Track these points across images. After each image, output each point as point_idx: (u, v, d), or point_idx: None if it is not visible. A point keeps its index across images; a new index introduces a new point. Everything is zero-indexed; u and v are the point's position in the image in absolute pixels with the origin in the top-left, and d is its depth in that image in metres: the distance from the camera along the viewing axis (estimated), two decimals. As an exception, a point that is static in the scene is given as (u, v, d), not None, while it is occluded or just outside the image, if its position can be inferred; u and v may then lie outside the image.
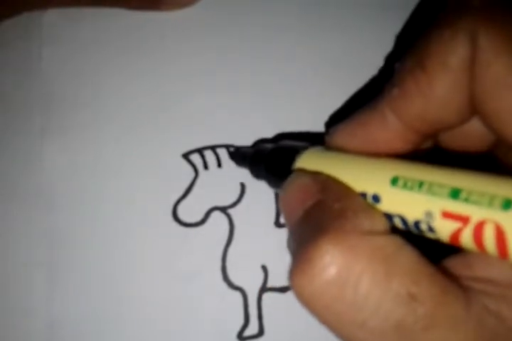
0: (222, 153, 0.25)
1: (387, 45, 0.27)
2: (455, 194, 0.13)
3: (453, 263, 0.15)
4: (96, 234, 0.24)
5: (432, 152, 0.19)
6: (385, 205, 0.15)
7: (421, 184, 0.14)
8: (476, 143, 0.18)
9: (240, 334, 0.24)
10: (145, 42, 0.27)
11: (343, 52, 0.27)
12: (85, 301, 0.24)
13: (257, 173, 0.23)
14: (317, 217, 0.15)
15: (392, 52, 0.27)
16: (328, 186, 0.16)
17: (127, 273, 0.24)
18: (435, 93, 0.16)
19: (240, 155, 0.25)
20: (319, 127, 0.26)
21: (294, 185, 0.17)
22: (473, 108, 0.16)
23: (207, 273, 0.24)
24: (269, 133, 0.26)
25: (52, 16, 0.27)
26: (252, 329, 0.24)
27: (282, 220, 0.25)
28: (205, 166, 0.25)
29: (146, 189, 0.25)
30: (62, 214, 0.24)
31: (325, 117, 0.26)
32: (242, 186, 0.25)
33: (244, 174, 0.25)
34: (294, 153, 0.19)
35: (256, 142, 0.26)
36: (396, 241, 0.14)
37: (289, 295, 0.25)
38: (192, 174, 0.25)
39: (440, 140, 0.19)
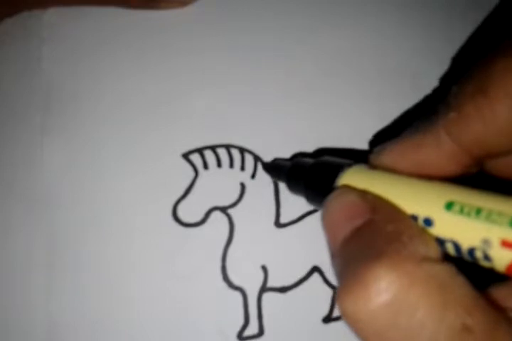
0: (223, 153, 0.25)
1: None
2: None
3: (497, 293, 0.15)
4: (95, 234, 0.24)
5: (476, 177, 0.18)
6: (438, 230, 0.15)
7: (478, 210, 0.14)
8: None
9: (240, 334, 0.24)
10: (145, 41, 0.27)
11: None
12: (85, 301, 0.24)
13: (294, 188, 0.22)
14: (369, 238, 0.15)
15: (447, 74, 0.27)
16: (379, 206, 0.15)
17: (127, 273, 0.24)
18: (496, 118, 0.15)
19: (275, 168, 0.24)
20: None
21: (339, 201, 0.16)
22: None
23: (207, 273, 0.24)
24: (274, 137, 0.26)
25: (52, 15, 0.27)
26: (252, 329, 0.24)
27: (282, 220, 0.25)
28: (205, 166, 0.25)
29: (146, 189, 0.25)
30: (61, 213, 0.24)
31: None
32: (242, 186, 0.25)
33: (244, 174, 0.25)
34: (337, 169, 0.18)
35: (295, 155, 0.25)
36: (451, 269, 0.14)
37: (289, 295, 0.25)
38: (192, 174, 0.25)
39: (488, 166, 0.18)
